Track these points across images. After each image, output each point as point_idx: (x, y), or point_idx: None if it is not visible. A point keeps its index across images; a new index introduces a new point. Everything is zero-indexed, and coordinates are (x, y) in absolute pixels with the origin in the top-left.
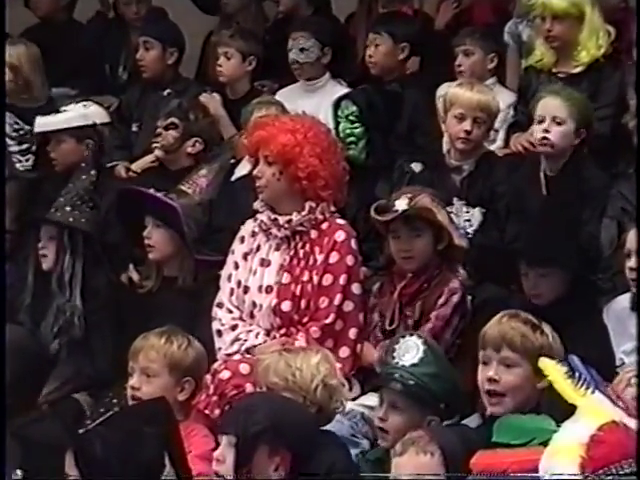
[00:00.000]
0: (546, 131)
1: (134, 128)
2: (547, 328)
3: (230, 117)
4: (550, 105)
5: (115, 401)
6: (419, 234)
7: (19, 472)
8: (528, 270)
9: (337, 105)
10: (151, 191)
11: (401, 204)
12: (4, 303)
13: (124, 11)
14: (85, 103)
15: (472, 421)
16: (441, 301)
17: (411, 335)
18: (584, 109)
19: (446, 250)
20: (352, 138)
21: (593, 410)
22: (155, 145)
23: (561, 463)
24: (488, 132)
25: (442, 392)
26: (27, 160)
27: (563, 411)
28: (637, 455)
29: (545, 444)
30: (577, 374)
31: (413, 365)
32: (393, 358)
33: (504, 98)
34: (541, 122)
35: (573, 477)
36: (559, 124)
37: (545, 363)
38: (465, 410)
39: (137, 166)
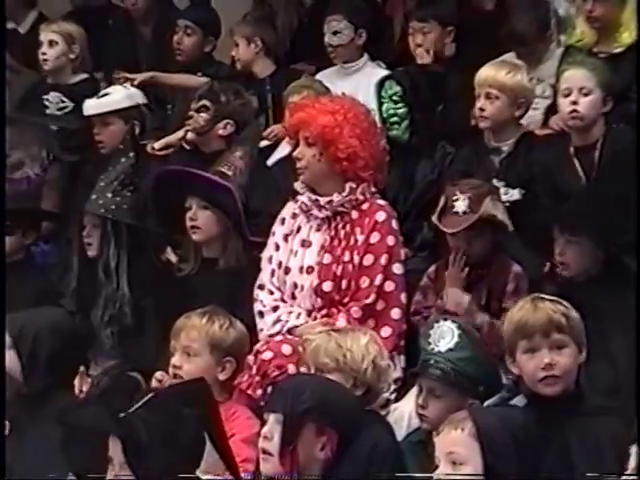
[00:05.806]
0: (574, 103)
1: (168, 110)
2: (565, 302)
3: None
4: (575, 76)
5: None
6: (479, 232)
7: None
8: (558, 236)
9: (381, 85)
10: (202, 172)
11: (461, 206)
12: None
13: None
14: (125, 84)
15: (517, 402)
16: (510, 288)
17: (445, 320)
18: (609, 76)
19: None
20: (395, 118)
21: None
22: (187, 127)
23: None
24: (518, 108)
25: (480, 375)
26: (71, 143)
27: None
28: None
29: None
30: None
31: (449, 350)
32: (429, 344)
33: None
34: (568, 95)
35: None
36: (586, 95)
37: None
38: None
39: (159, 144)
